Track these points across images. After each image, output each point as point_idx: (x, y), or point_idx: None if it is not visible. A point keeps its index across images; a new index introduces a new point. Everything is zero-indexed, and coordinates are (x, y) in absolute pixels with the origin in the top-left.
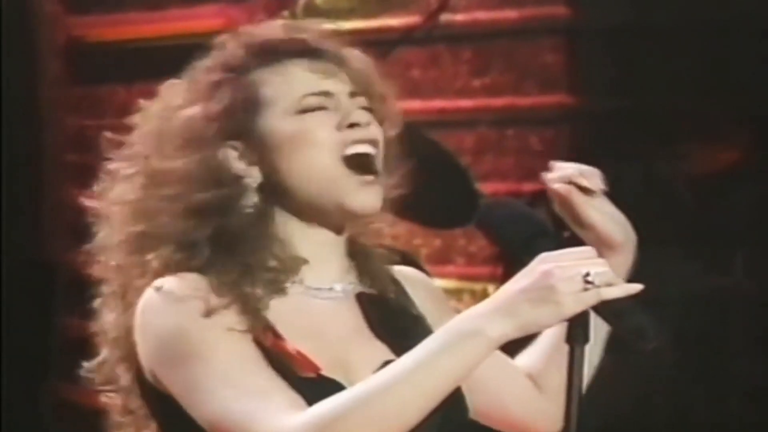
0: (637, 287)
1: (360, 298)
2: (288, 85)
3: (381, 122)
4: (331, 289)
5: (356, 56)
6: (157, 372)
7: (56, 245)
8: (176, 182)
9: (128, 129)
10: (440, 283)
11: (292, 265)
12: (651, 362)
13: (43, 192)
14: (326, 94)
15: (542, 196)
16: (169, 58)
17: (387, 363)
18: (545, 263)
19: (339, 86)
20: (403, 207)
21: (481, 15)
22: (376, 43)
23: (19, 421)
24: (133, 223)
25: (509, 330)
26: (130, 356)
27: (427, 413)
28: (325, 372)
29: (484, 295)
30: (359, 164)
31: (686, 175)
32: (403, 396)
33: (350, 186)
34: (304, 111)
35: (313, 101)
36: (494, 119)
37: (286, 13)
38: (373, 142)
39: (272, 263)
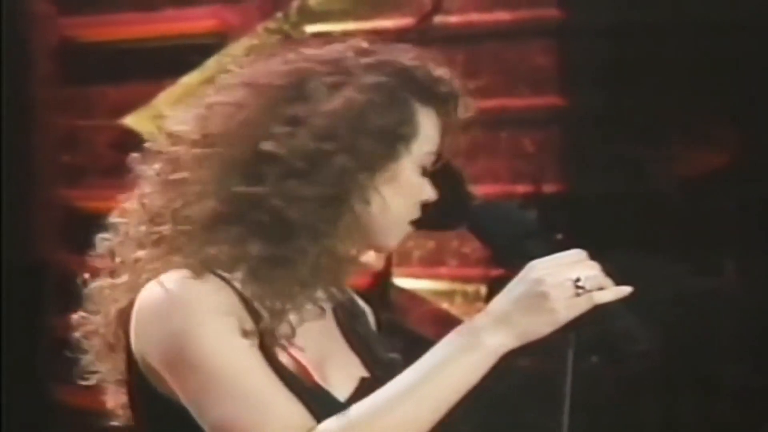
0: (627, 290)
1: (336, 311)
2: (427, 134)
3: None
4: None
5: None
6: (162, 372)
7: (47, 245)
8: (280, 172)
9: (120, 129)
10: (433, 284)
11: (329, 295)
12: (640, 365)
13: (33, 192)
14: (434, 155)
15: (534, 198)
16: (162, 59)
17: (363, 379)
18: (536, 271)
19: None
20: None
21: (474, 17)
22: None
23: (9, 424)
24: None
25: (507, 341)
26: (119, 348)
27: (432, 427)
28: (316, 379)
29: (477, 296)
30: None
31: (677, 177)
32: (408, 413)
33: (397, 237)
34: (421, 165)
35: (430, 159)
36: (487, 121)
37: (280, 15)
38: None
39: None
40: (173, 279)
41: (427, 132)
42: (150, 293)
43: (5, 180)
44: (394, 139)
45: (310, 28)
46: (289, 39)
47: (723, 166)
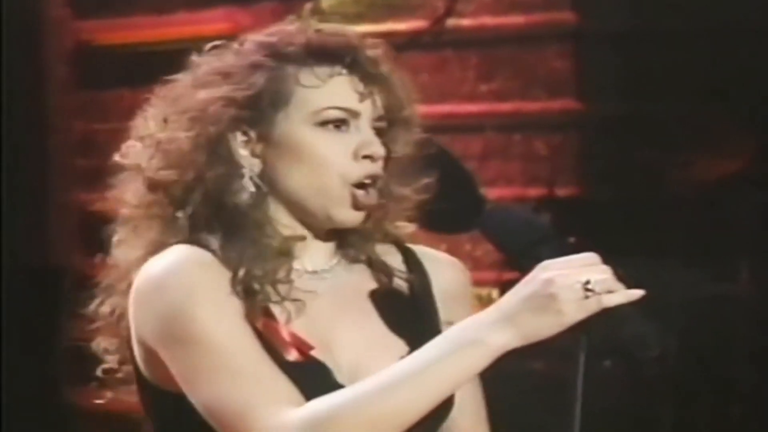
0: (638, 294)
1: (373, 294)
2: (317, 92)
3: (396, 143)
4: (328, 269)
5: (396, 76)
6: (157, 347)
7: (63, 249)
8: (178, 155)
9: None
10: None
11: (289, 244)
12: (652, 369)
13: (49, 196)
14: (351, 112)
15: (548, 202)
16: (176, 63)
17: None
18: (547, 271)
19: (368, 108)
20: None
21: (488, 20)
22: None
23: (24, 428)
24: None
25: (510, 339)
26: (123, 342)
27: (422, 417)
28: (315, 353)
29: (490, 300)
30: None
31: (691, 182)
32: (401, 400)
33: (344, 205)
34: (323, 123)
35: (334, 115)
36: (501, 124)
37: (292, 17)
38: (376, 178)
39: (271, 243)
40: (172, 254)
41: (314, 93)
42: (149, 268)
43: (22, 184)
44: (251, 107)
45: None
46: None
47: (738, 171)
